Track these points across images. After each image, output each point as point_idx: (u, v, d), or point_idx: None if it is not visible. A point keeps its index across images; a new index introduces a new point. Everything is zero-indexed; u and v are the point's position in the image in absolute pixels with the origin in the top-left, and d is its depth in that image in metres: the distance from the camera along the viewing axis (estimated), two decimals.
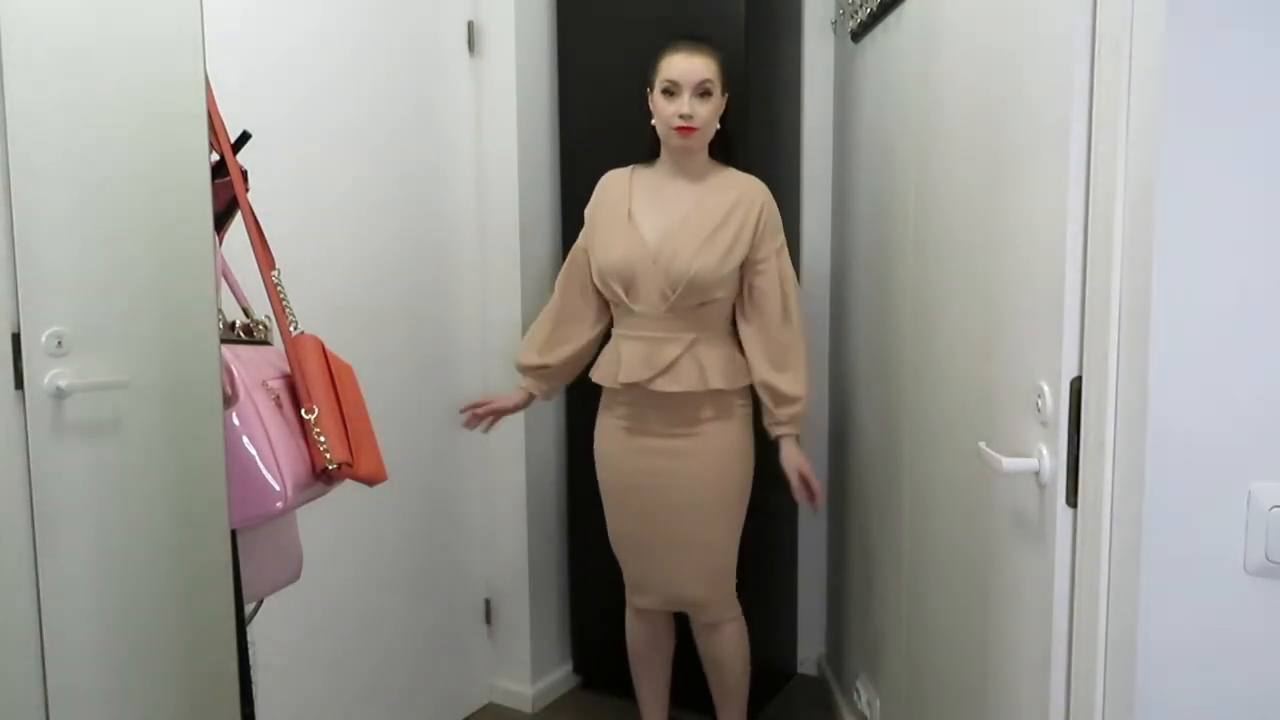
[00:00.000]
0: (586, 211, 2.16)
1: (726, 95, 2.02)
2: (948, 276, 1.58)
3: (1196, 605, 0.92)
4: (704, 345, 2.02)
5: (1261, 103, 0.87)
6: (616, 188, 2.11)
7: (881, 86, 2.11)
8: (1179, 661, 0.93)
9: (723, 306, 2.05)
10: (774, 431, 2.08)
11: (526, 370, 2.20)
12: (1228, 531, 0.90)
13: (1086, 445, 1.02)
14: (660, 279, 1.98)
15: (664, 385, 2.00)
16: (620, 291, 2.03)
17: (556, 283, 2.20)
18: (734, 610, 2.15)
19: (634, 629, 2.26)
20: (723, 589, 2.11)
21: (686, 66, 1.93)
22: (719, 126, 2.03)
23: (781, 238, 2.07)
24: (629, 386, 2.02)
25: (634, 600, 2.22)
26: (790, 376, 2.04)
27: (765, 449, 2.22)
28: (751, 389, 2.10)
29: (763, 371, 2.05)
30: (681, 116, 1.94)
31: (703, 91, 1.95)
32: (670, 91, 1.95)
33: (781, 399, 2.04)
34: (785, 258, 2.07)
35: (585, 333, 2.17)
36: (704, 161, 2.07)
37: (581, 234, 2.17)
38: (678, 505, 2.05)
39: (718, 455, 2.05)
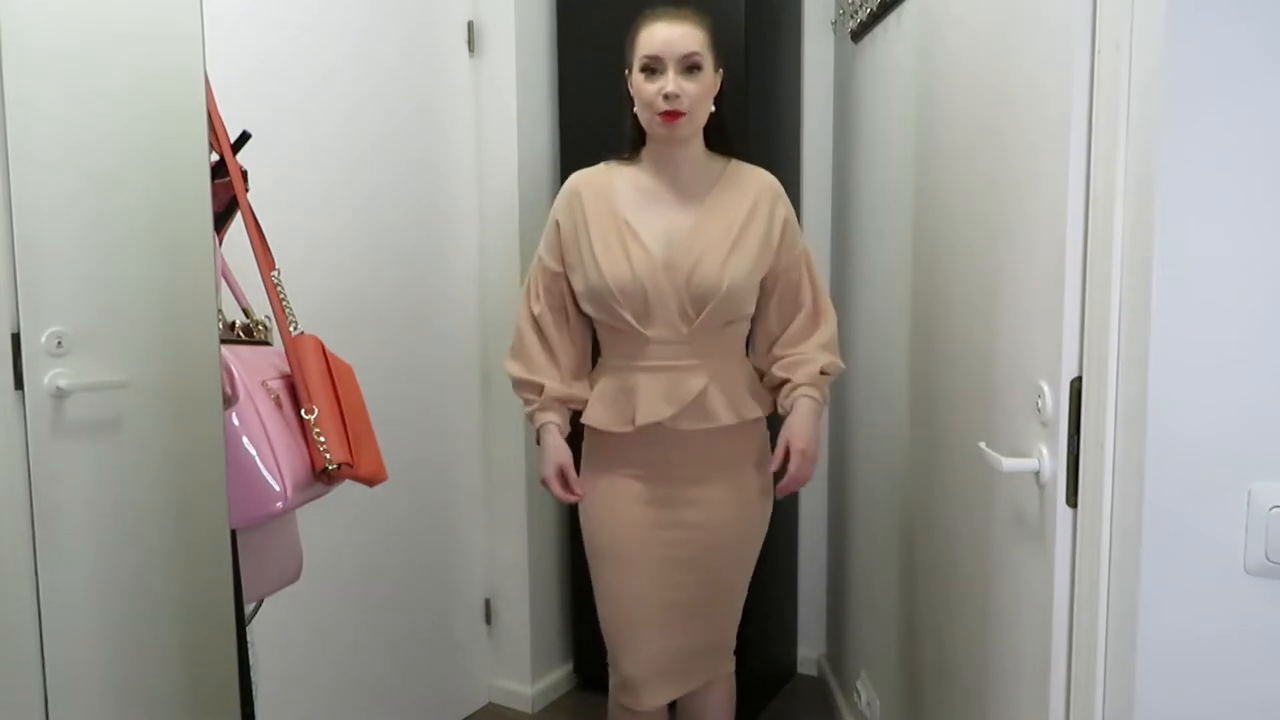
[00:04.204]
0: (559, 222, 1.78)
1: (720, 72, 1.70)
2: (948, 276, 1.58)
3: (1196, 605, 0.91)
4: (728, 371, 1.74)
5: (1261, 103, 0.87)
6: (596, 192, 1.74)
7: (881, 86, 2.11)
8: (1179, 661, 0.92)
9: (744, 325, 1.78)
10: (791, 397, 1.74)
11: (559, 400, 1.77)
12: (1228, 532, 0.90)
13: (1086, 445, 1.02)
14: (679, 296, 1.67)
15: (692, 423, 1.69)
16: (629, 317, 1.68)
17: (539, 318, 1.79)
18: (730, 664, 1.88)
19: None
20: (729, 640, 1.85)
21: (668, 36, 1.60)
22: (714, 109, 1.71)
23: (801, 239, 1.82)
24: (643, 428, 1.70)
25: (627, 701, 1.81)
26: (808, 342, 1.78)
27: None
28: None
29: (782, 349, 1.78)
30: (666, 97, 1.60)
31: (690, 66, 1.62)
32: (652, 69, 1.62)
33: (798, 364, 1.75)
34: (811, 258, 1.82)
35: (588, 370, 1.84)
36: (700, 153, 1.74)
37: (546, 254, 1.79)
38: (708, 563, 1.75)
39: (744, 498, 1.77)
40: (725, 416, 1.71)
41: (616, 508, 1.76)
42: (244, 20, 1.89)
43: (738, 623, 1.87)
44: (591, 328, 1.83)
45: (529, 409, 1.79)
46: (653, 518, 1.74)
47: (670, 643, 1.78)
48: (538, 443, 1.80)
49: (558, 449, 1.77)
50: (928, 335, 1.71)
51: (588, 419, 1.77)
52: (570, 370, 1.80)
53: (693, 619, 1.78)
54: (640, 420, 1.69)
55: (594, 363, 1.86)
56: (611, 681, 1.85)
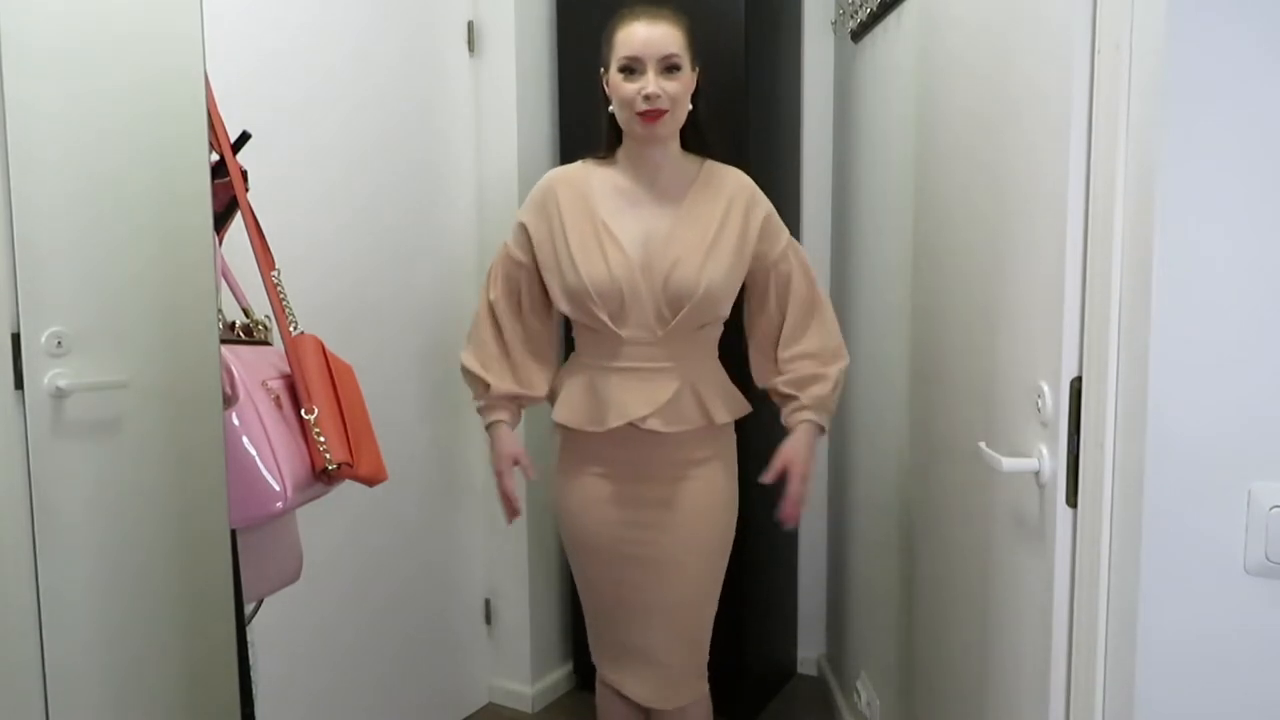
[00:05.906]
0: (527, 219, 1.79)
1: (697, 70, 1.71)
2: (948, 276, 1.58)
3: (1196, 605, 0.91)
4: (701, 373, 1.75)
5: (1261, 103, 0.87)
6: (573, 191, 1.75)
7: (881, 86, 2.11)
8: (1179, 661, 0.92)
9: (718, 329, 1.79)
10: (795, 418, 1.77)
11: (506, 398, 1.81)
12: (1228, 532, 0.90)
13: (1086, 445, 1.02)
14: (655, 299, 1.68)
15: (663, 425, 1.69)
16: (605, 317, 1.69)
17: (494, 305, 1.82)
18: (703, 685, 1.83)
19: (609, 711, 1.89)
20: (698, 659, 1.81)
21: (648, 36, 1.61)
22: (690, 108, 1.72)
23: (786, 230, 1.82)
24: (614, 428, 1.71)
25: (611, 677, 1.84)
26: (819, 354, 1.79)
27: (758, 454, 2.23)
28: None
29: (785, 349, 1.80)
30: (647, 98, 1.62)
31: (670, 66, 1.63)
32: (631, 69, 1.63)
33: (808, 379, 1.77)
34: (798, 248, 1.83)
35: (550, 357, 1.87)
36: (677, 154, 1.74)
37: (512, 244, 1.81)
38: (672, 563, 1.75)
39: (710, 501, 1.77)
40: (695, 420, 1.72)
41: (585, 505, 1.78)
42: (244, 20, 1.89)
43: (707, 641, 1.82)
44: (553, 320, 1.87)
45: (477, 404, 1.85)
46: (619, 516, 1.75)
47: (641, 637, 1.78)
48: (488, 429, 1.85)
49: (508, 442, 1.82)
50: (928, 335, 1.71)
51: (559, 417, 1.78)
52: (522, 360, 1.83)
53: (660, 621, 1.76)
54: (612, 422, 1.70)
55: (566, 357, 1.87)
56: (595, 659, 1.88)
